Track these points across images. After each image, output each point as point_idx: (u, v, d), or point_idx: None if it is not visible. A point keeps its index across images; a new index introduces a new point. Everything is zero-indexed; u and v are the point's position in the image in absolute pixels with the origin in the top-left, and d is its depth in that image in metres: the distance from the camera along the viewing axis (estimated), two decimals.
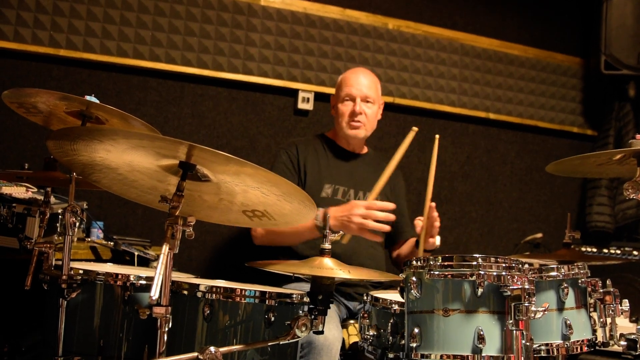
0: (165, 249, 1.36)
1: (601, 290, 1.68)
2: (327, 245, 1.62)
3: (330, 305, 1.59)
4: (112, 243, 2.46)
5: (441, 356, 1.45)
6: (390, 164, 2.31)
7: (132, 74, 3.01)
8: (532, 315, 1.41)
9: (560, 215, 3.76)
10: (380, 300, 1.79)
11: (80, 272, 1.76)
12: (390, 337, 1.70)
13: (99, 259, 2.44)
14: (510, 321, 1.42)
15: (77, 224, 1.73)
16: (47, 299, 1.86)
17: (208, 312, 1.61)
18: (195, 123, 3.11)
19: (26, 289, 1.81)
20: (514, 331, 1.42)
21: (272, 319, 1.63)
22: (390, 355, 1.66)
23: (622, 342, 1.67)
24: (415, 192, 3.43)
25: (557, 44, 3.82)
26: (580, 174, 2.70)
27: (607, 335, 1.67)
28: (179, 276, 1.96)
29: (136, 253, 2.42)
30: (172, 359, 1.38)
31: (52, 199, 2.05)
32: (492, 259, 1.48)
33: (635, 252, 3.13)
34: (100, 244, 2.47)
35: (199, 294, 1.63)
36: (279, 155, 2.60)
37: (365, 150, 2.73)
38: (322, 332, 1.57)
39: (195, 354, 1.38)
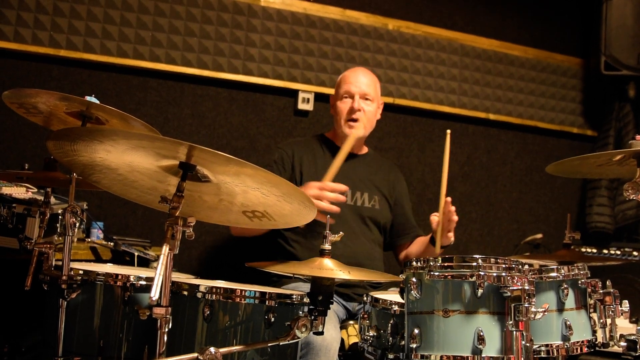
0: (165, 249, 1.36)
1: (601, 291, 1.68)
2: (327, 246, 1.62)
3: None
4: (112, 243, 2.46)
5: (441, 357, 1.45)
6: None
7: (132, 75, 3.01)
8: (532, 316, 1.41)
9: (560, 216, 3.76)
10: (380, 301, 1.79)
11: (80, 272, 1.76)
12: (390, 338, 1.70)
13: (99, 259, 2.44)
14: (510, 322, 1.42)
15: (77, 224, 1.73)
16: (47, 299, 1.86)
17: (208, 312, 1.61)
18: (195, 123, 3.11)
19: (26, 289, 1.81)
20: (514, 332, 1.42)
21: (272, 319, 1.63)
22: (390, 356, 1.66)
23: (622, 343, 1.67)
24: (415, 192, 3.43)
25: (557, 45, 3.82)
26: (580, 174, 2.70)
27: (607, 336, 1.68)
28: (179, 276, 1.96)
29: (136, 253, 2.42)
30: None
31: (52, 200, 2.05)
32: (492, 260, 1.48)
33: (635, 253, 3.13)
34: (100, 245, 2.47)
35: (199, 295, 1.63)
36: (273, 154, 2.62)
37: (364, 150, 2.73)
38: (322, 333, 1.57)
39: (195, 354, 1.38)
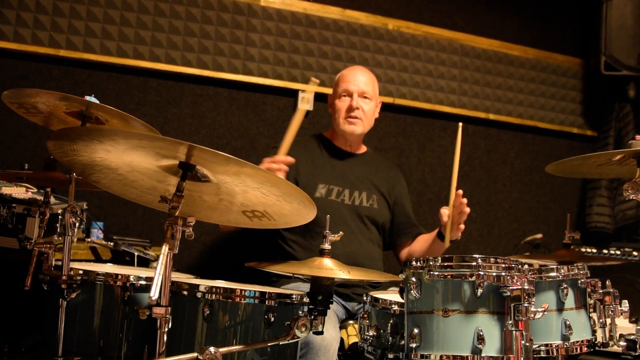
0: (165, 249, 1.36)
1: (601, 291, 1.68)
2: (327, 246, 1.62)
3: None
4: (112, 243, 2.46)
5: (441, 357, 1.45)
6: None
7: (132, 75, 3.01)
8: (532, 315, 1.41)
9: (560, 216, 3.76)
10: (380, 301, 1.79)
11: (80, 272, 1.76)
12: (390, 338, 1.70)
13: (98, 259, 2.44)
14: (510, 322, 1.42)
15: (77, 224, 1.74)
16: (47, 299, 1.86)
17: (208, 312, 1.61)
18: (195, 123, 3.11)
19: (26, 289, 1.81)
20: (514, 332, 1.42)
21: (272, 319, 1.63)
22: (390, 356, 1.66)
23: (622, 343, 1.67)
24: (415, 192, 3.43)
25: (557, 45, 3.82)
26: (580, 174, 2.70)
27: (607, 335, 1.68)
28: (179, 276, 1.96)
29: (136, 253, 2.42)
30: None
31: (52, 199, 2.05)
32: (492, 260, 1.48)
33: (635, 253, 3.13)
34: (100, 245, 2.47)
35: (199, 295, 1.63)
36: (270, 154, 2.61)
37: (363, 149, 2.73)
38: (321, 333, 1.57)
39: (195, 354, 1.38)
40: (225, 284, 1.83)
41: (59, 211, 2.18)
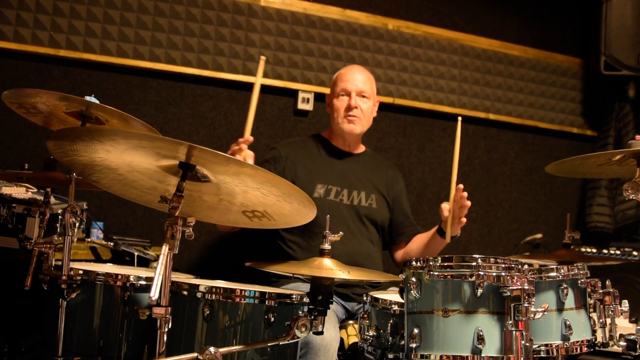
0: (164, 249, 1.36)
1: (601, 291, 1.68)
2: (327, 246, 1.62)
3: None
4: (112, 243, 2.46)
5: (441, 357, 1.45)
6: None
7: (132, 75, 3.01)
8: (532, 315, 1.41)
9: (560, 216, 3.76)
10: (380, 301, 1.79)
11: (80, 272, 1.76)
12: (390, 338, 1.70)
13: (98, 259, 2.44)
14: (510, 322, 1.42)
15: (77, 224, 1.73)
16: (47, 299, 1.86)
17: (208, 312, 1.61)
18: (195, 123, 3.11)
19: (26, 289, 1.81)
20: (514, 332, 1.42)
21: (272, 319, 1.63)
22: (390, 356, 1.66)
23: (622, 343, 1.67)
24: (415, 192, 3.43)
25: (557, 45, 3.82)
26: (580, 174, 2.70)
27: (607, 335, 1.68)
28: (179, 276, 1.96)
29: (136, 253, 2.42)
30: None
31: (52, 199, 2.05)
32: (492, 260, 1.48)
33: (635, 253, 3.13)
34: (100, 245, 2.47)
35: (199, 295, 1.63)
36: (268, 154, 2.62)
37: (361, 149, 2.73)
38: (321, 333, 1.57)
39: (195, 354, 1.38)
40: (225, 284, 1.83)
41: (59, 211, 2.18)
